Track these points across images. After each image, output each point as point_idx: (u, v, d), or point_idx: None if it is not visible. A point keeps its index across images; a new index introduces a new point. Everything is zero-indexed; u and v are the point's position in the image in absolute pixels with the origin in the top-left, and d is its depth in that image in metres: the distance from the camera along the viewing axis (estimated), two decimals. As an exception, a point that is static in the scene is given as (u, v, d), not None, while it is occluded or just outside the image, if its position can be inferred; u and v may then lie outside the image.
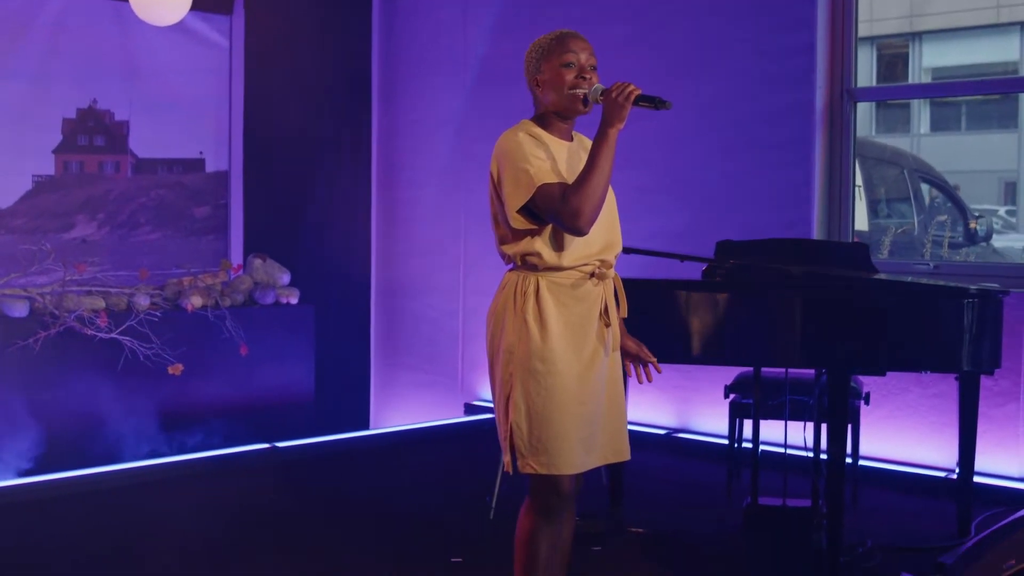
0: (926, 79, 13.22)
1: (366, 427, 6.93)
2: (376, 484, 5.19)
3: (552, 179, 2.75)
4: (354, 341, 7.12)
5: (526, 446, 2.80)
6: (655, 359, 3.02)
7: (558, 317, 2.81)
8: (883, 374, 3.84)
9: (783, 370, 4.30)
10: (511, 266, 2.91)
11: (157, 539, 4.24)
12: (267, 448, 5.61)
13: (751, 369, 4.41)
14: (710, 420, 5.68)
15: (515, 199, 2.77)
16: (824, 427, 3.98)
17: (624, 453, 2.98)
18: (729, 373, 4.71)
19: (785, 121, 5.46)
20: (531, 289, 2.81)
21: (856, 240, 5.85)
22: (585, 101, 2.82)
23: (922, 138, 13.25)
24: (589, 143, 2.84)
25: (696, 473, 5.33)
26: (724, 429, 4.74)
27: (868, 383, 4.74)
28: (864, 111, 11.98)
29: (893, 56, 13.54)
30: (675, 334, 3.97)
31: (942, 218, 7.97)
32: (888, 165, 8.32)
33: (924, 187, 8.33)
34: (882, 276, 4.14)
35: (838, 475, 3.81)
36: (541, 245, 2.80)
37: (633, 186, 5.84)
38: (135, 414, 5.46)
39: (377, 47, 7.17)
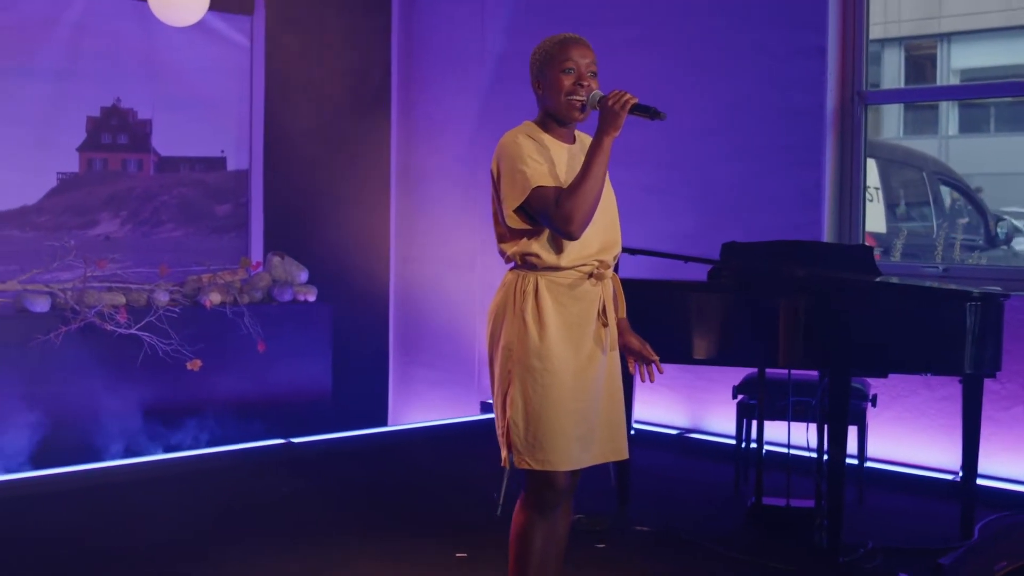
0: (954, 80, 13.12)
1: (384, 424, 6.99)
2: (389, 480, 5.25)
3: (547, 182, 2.80)
4: (372, 338, 7.18)
5: (522, 442, 2.84)
6: (658, 358, 3.04)
7: (556, 316, 2.85)
8: (885, 376, 3.86)
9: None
10: (512, 265, 2.95)
11: (173, 533, 4.32)
12: (282, 443, 5.69)
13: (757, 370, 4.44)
14: (722, 421, 5.70)
15: (511, 199, 2.82)
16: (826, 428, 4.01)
17: (622, 452, 3.01)
18: (740, 374, 4.74)
19: (796, 123, 5.47)
20: (530, 288, 2.86)
21: (868, 243, 5.84)
22: (582, 108, 2.86)
23: (950, 140, 13.15)
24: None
25: (705, 473, 5.35)
26: (734, 430, 4.78)
27: (875, 385, 4.75)
28: (892, 113, 11.93)
29: (921, 57, 13.45)
30: (679, 334, 4.01)
31: (963, 221, 7.94)
32: (908, 168, 8.30)
33: (945, 190, 8.30)
34: (889, 279, 4.16)
35: (838, 476, 3.84)
36: (539, 247, 2.84)
37: (643, 186, 5.87)
38: (153, 409, 5.55)
39: (396, 46, 7.21)
